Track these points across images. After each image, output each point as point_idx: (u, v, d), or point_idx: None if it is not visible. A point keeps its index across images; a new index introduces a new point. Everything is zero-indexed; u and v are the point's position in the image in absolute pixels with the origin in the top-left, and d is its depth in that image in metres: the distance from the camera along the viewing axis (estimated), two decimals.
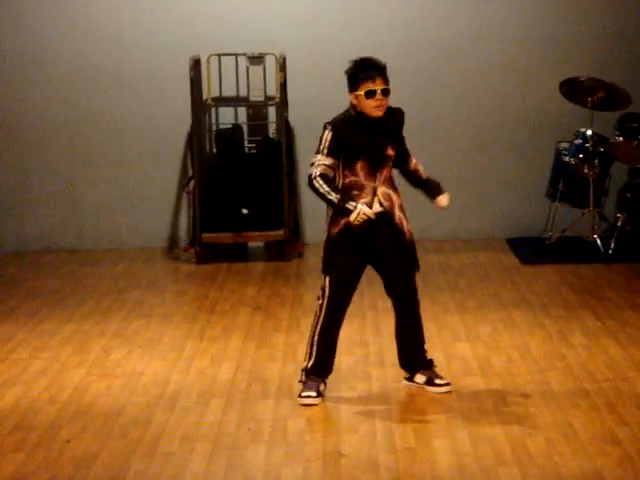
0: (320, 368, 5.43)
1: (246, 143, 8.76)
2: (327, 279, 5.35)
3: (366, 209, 5.21)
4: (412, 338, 5.49)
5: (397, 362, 5.96)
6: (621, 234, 8.22)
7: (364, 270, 5.42)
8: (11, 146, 8.94)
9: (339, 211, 5.23)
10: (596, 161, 8.26)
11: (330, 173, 5.28)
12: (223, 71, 8.68)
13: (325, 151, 5.25)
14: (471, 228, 8.99)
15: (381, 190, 5.31)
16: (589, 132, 8.27)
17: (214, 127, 8.84)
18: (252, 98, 8.66)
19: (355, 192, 5.27)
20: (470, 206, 9.00)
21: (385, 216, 5.31)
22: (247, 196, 8.47)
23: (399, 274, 5.39)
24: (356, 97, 5.24)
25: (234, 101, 8.81)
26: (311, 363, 5.43)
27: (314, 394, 5.35)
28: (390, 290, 5.45)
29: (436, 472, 4.55)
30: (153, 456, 4.77)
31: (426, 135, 8.94)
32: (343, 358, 5.92)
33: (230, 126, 8.76)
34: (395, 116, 5.35)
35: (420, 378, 5.49)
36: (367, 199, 5.28)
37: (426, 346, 5.56)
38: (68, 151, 8.96)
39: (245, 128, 8.82)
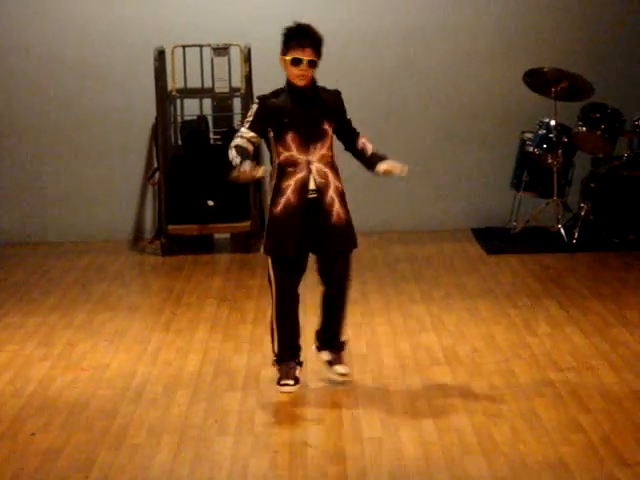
0: (286, 351, 5.44)
1: (211, 134, 8.74)
2: (270, 261, 5.35)
3: (246, 166, 5.03)
4: (332, 316, 5.47)
5: (363, 352, 5.99)
6: (585, 223, 8.29)
7: (307, 252, 5.35)
8: None
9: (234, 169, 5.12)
10: (560, 151, 8.32)
11: (249, 146, 5.21)
12: (188, 62, 8.66)
13: (247, 124, 5.27)
14: (436, 218, 9.02)
15: (316, 166, 5.26)
16: (553, 122, 8.33)
17: (179, 118, 8.82)
18: (217, 89, 8.64)
19: (290, 169, 5.25)
20: (435, 196, 9.03)
21: (317, 194, 5.27)
22: (213, 188, 8.46)
23: (326, 254, 5.34)
24: (284, 61, 5.26)
25: (199, 92, 8.79)
26: (277, 349, 5.44)
27: (291, 382, 5.38)
28: (319, 270, 5.41)
29: (402, 462, 4.57)
30: (119, 448, 4.76)
31: (390, 124, 8.96)
32: (309, 349, 5.92)
33: (195, 117, 8.74)
34: (331, 95, 5.35)
35: (326, 355, 5.51)
36: (302, 174, 5.25)
37: (344, 328, 5.52)
38: (32, 143, 8.91)
39: (210, 119, 8.80)
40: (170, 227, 8.42)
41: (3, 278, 7.85)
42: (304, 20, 8.54)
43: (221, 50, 8.56)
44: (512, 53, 8.88)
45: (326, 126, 5.29)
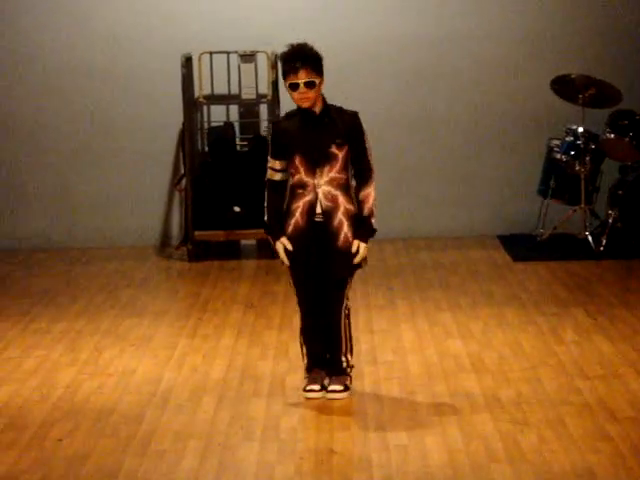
0: (314, 360, 5.43)
1: (238, 141, 8.76)
2: (289, 275, 5.38)
3: (280, 253, 5.24)
4: (329, 341, 5.39)
5: (389, 359, 5.98)
6: (612, 231, 8.24)
7: (315, 264, 5.29)
8: (3, 144, 8.93)
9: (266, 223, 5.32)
10: (587, 158, 8.28)
11: (282, 177, 5.29)
12: (215, 69, 8.68)
13: (270, 153, 5.32)
14: (462, 225, 9.00)
15: (324, 189, 5.23)
16: (580, 129, 8.29)
17: (206, 125, 8.84)
18: (244, 96, 8.66)
19: (299, 190, 5.25)
20: (461, 203, 9.01)
21: (324, 217, 5.25)
22: (239, 194, 8.47)
23: (328, 279, 5.29)
24: (286, 88, 5.25)
25: (226, 99, 8.81)
26: (305, 359, 5.45)
27: (317, 388, 5.37)
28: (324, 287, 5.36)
29: (428, 469, 4.56)
30: (145, 454, 4.77)
31: (417, 132, 8.95)
32: None
33: (222, 124, 8.75)
34: (346, 118, 5.24)
35: (325, 381, 5.41)
36: (309, 197, 5.24)
37: (345, 356, 5.40)
38: (60, 149, 8.95)
39: (237, 126, 8.82)
40: (197, 233, 8.44)
41: (30, 284, 7.89)
42: (330, 30, 8.55)
43: (248, 57, 8.57)
44: (540, 59, 8.85)
45: (335, 150, 5.22)
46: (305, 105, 5.19)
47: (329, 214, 5.25)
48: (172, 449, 4.82)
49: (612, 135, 8.25)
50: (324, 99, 5.27)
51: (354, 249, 5.28)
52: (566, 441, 4.78)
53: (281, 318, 6.79)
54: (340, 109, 5.28)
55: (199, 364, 5.98)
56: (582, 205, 8.32)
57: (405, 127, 8.96)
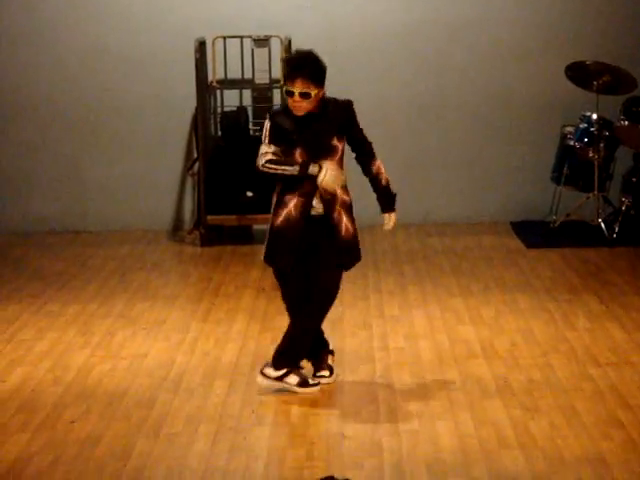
0: (313, 347, 5.44)
1: (251, 125, 8.75)
2: (272, 269, 5.36)
3: (331, 168, 5.10)
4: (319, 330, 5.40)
5: (400, 345, 5.98)
6: (625, 218, 8.22)
7: (305, 262, 5.26)
8: (17, 127, 8.94)
9: (306, 177, 5.14)
10: (601, 145, 8.25)
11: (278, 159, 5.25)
12: (228, 53, 8.66)
13: (266, 140, 5.25)
14: (475, 211, 8.98)
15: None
16: (594, 116, 8.26)
17: (219, 109, 8.84)
18: (257, 81, 8.64)
19: (297, 183, 5.22)
20: (474, 189, 8.99)
21: (324, 211, 5.22)
22: (252, 179, 8.46)
23: (322, 269, 5.25)
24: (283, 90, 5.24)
25: (239, 83, 8.79)
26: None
27: (327, 373, 5.39)
28: (312, 283, 5.30)
29: (439, 454, 4.56)
30: (157, 437, 4.79)
31: (431, 117, 8.93)
32: (347, 340, 5.93)
33: (235, 108, 8.75)
34: (340, 108, 5.21)
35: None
36: (307, 190, 5.20)
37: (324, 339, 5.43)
38: (73, 132, 8.96)
39: (250, 110, 8.81)
40: (209, 217, 8.45)
41: (44, 266, 7.91)
42: (344, 15, 8.52)
43: (262, 41, 8.56)
44: (554, 46, 8.82)
45: (335, 141, 5.21)
46: (298, 114, 5.16)
47: (328, 207, 5.24)
48: (184, 433, 4.84)
49: (626, 122, 8.22)
50: (323, 96, 5.19)
51: (387, 222, 5.31)
52: (577, 427, 4.79)
53: None
54: (335, 101, 5.23)
55: (211, 348, 5.99)
56: (595, 192, 8.30)
57: (417, 113, 8.94)
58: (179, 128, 8.93)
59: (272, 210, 5.31)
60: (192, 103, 8.57)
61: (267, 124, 5.26)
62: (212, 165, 8.53)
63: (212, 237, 8.46)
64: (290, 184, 5.24)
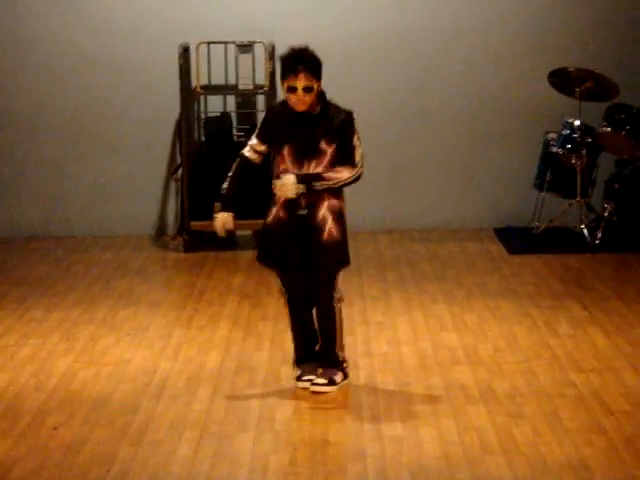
0: (303, 352, 5.46)
1: (235, 131, 8.75)
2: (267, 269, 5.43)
3: (218, 222, 5.33)
4: (322, 334, 5.40)
5: (384, 351, 5.99)
6: (608, 224, 8.25)
7: (302, 263, 5.29)
8: (0, 132, 8.92)
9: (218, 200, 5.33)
10: (584, 151, 8.29)
11: (256, 159, 5.34)
12: (212, 59, 8.67)
13: (255, 133, 5.35)
14: (459, 217, 9.00)
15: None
16: (577, 122, 8.30)
17: (203, 115, 8.83)
18: (241, 86, 8.65)
19: None
20: (458, 195, 9.02)
21: (308, 212, 5.25)
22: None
23: (314, 275, 5.30)
24: (282, 88, 5.25)
25: (223, 89, 8.79)
26: (295, 351, 5.48)
27: (313, 377, 5.39)
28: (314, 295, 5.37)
29: (423, 461, 4.57)
30: (140, 444, 4.78)
31: (414, 124, 8.95)
32: None
33: (219, 114, 8.75)
34: (340, 116, 5.22)
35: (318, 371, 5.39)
36: None
37: (339, 349, 5.39)
38: (57, 138, 8.94)
39: (234, 116, 8.81)
40: (193, 223, 8.44)
41: (27, 272, 7.89)
42: (329, 21, 8.57)
43: (245, 47, 8.56)
44: (537, 53, 8.85)
45: (324, 145, 5.22)
46: (301, 109, 5.19)
47: (313, 208, 5.25)
48: (167, 439, 4.83)
49: (609, 129, 8.26)
50: (324, 97, 5.25)
51: (286, 180, 5.21)
52: (560, 434, 4.80)
53: (276, 309, 6.79)
54: (337, 108, 5.26)
55: (194, 354, 5.99)
56: (578, 198, 8.33)
57: (402, 119, 8.96)
58: (163, 133, 8.92)
59: (267, 209, 5.37)
60: (176, 109, 8.57)
61: (263, 117, 5.36)
62: (195, 171, 8.53)
63: (195, 243, 8.45)
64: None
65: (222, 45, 8.61)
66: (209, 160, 8.55)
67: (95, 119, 8.92)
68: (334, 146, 5.23)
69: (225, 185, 5.42)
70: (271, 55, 8.43)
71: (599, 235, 8.18)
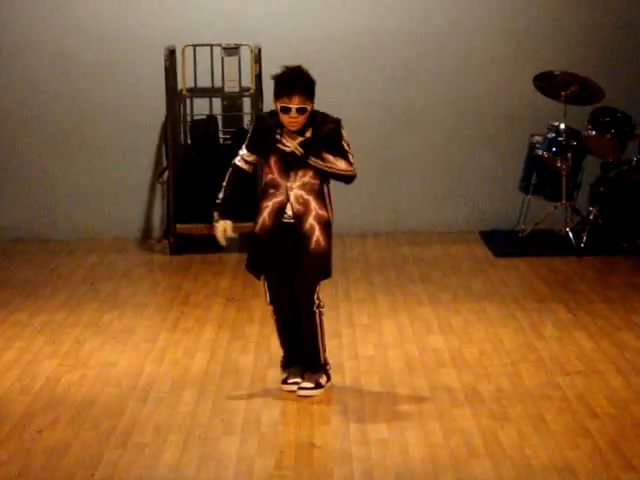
0: (290, 356, 5.46)
1: (221, 134, 8.75)
2: (255, 276, 5.44)
3: (219, 231, 5.38)
4: (304, 340, 5.39)
5: (370, 354, 5.99)
6: (593, 227, 8.27)
7: (288, 270, 5.30)
8: None
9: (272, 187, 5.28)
10: (569, 155, 8.31)
11: (248, 168, 5.37)
12: (198, 62, 8.66)
13: (245, 143, 5.38)
14: (444, 220, 9.02)
15: (296, 193, 5.24)
16: (562, 126, 8.32)
17: (188, 118, 8.83)
18: (227, 89, 8.64)
19: (271, 190, 5.28)
20: (443, 198, 9.02)
21: (295, 221, 5.25)
22: (221, 187, 8.44)
23: (297, 282, 5.30)
24: (276, 107, 5.24)
25: (209, 92, 8.79)
26: (282, 354, 5.49)
27: (299, 380, 5.39)
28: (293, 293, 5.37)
29: (408, 464, 4.57)
30: (126, 447, 4.77)
31: (400, 127, 8.96)
32: None
33: (205, 117, 8.74)
34: (328, 125, 5.22)
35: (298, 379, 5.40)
36: (280, 198, 5.26)
37: (322, 354, 5.40)
38: (43, 140, 8.92)
39: (220, 119, 8.80)
40: (178, 226, 8.43)
41: (12, 275, 7.87)
42: (315, 24, 8.57)
43: (231, 50, 8.56)
44: (522, 56, 8.87)
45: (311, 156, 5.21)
46: (293, 129, 5.20)
47: (300, 218, 5.26)
48: (152, 442, 4.82)
49: (594, 132, 8.28)
50: (313, 112, 5.22)
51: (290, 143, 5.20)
52: (546, 436, 4.81)
53: (262, 312, 6.79)
54: (324, 116, 5.25)
55: (180, 357, 5.98)
56: (563, 201, 8.35)
57: (387, 122, 8.97)
58: (149, 136, 8.91)
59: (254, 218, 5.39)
60: (162, 111, 8.56)
61: (250, 128, 5.39)
62: (181, 173, 8.52)
63: (181, 246, 8.44)
64: (265, 192, 5.30)
65: (208, 48, 8.60)
66: (195, 163, 8.54)
67: (81, 121, 8.90)
68: (321, 156, 5.22)
69: (221, 194, 5.47)
70: (257, 58, 8.43)
71: (584, 238, 8.20)
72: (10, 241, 8.84)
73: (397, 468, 4.53)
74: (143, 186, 9.00)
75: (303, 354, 5.42)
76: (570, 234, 8.25)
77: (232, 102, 8.87)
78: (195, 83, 8.72)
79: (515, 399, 5.27)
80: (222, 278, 7.68)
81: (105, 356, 6.01)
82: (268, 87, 8.67)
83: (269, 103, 8.66)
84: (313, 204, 5.26)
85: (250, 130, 5.41)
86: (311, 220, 5.26)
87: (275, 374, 5.58)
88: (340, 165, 5.25)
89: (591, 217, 8.29)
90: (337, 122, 5.26)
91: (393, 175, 9.04)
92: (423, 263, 8.06)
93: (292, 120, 5.17)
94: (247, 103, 8.79)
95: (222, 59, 8.60)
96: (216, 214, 5.45)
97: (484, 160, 8.99)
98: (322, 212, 5.28)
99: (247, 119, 8.80)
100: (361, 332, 6.37)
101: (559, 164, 8.31)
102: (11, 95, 8.85)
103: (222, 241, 5.43)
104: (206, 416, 5.11)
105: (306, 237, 5.25)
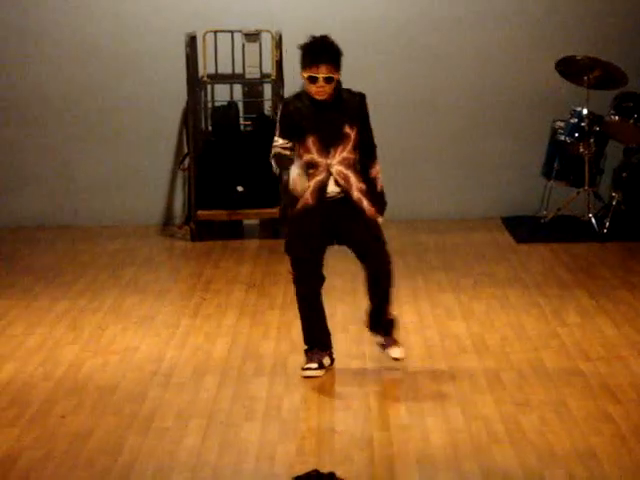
0: (312, 340, 5.47)
1: (241, 120, 8.74)
2: (290, 259, 5.41)
3: (294, 174, 5.21)
4: (378, 297, 5.46)
5: None
6: (616, 213, 8.23)
7: (324, 248, 5.38)
8: (7, 123, 8.92)
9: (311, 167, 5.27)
10: (591, 140, 8.26)
11: (290, 154, 5.30)
12: (219, 48, 8.66)
13: (277, 132, 5.34)
14: (466, 207, 8.99)
15: (336, 169, 5.29)
16: (585, 111, 8.27)
17: (210, 104, 8.83)
18: (248, 75, 8.64)
19: (310, 170, 5.29)
20: (465, 185, 9.00)
21: (343, 195, 5.30)
22: (242, 173, 8.46)
23: (369, 250, 5.37)
24: (302, 77, 5.27)
25: (230, 78, 8.79)
26: (304, 336, 5.49)
27: (315, 366, 5.40)
28: (365, 265, 5.44)
29: (429, 450, 4.57)
30: (147, 432, 4.78)
31: (421, 114, 8.93)
32: (338, 336, 5.92)
33: (226, 103, 8.74)
34: (354, 99, 5.33)
35: (378, 339, 5.51)
36: (321, 177, 5.29)
37: (390, 308, 5.51)
38: (64, 127, 8.94)
39: (241, 105, 8.80)
40: (200, 212, 8.44)
41: (34, 262, 7.90)
42: (335, 10, 8.53)
43: (252, 36, 8.55)
44: (545, 41, 8.83)
45: (347, 129, 5.29)
46: (320, 98, 5.25)
47: (346, 192, 5.31)
48: (174, 427, 4.84)
49: (616, 117, 8.23)
50: (339, 84, 5.31)
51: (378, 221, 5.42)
52: (568, 422, 4.79)
53: (283, 298, 6.80)
54: (349, 91, 5.35)
55: (201, 343, 5.99)
56: (586, 187, 8.31)
57: (409, 109, 8.94)
58: (170, 123, 8.92)
59: (291, 201, 5.36)
60: (183, 98, 8.56)
61: (279, 114, 5.35)
62: (202, 160, 8.52)
63: (202, 232, 8.45)
64: (306, 172, 5.28)
65: (229, 34, 8.60)
66: (216, 149, 8.55)
67: (101, 109, 8.91)
68: (356, 129, 5.30)
69: (275, 169, 5.38)
70: (278, 43, 8.42)
71: (607, 224, 8.16)
72: (32, 228, 8.88)
73: (418, 454, 4.52)
74: (164, 173, 9.01)
75: (377, 316, 5.46)
76: (593, 220, 8.21)
77: (253, 88, 8.87)
78: (216, 69, 8.72)
79: (537, 385, 5.26)
80: (243, 264, 7.69)
81: (127, 342, 6.03)
82: (289, 73, 8.71)
83: (290, 89, 8.69)
84: (352, 178, 5.32)
85: (279, 118, 5.37)
86: (356, 192, 5.32)
87: (296, 360, 5.57)
88: (379, 169, 5.42)
89: (614, 203, 8.24)
90: (363, 96, 5.37)
91: (414, 162, 9.01)
92: (444, 250, 8.04)
93: (319, 89, 5.21)
94: (268, 89, 8.78)
95: (243, 45, 8.59)
96: (278, 172, 5.39)
97: (506, 146, 8.96)
98: (360, 184, 5.35)
99: (268, 105, 8.79)
100: None
101: (581, 149, 8.26)
102: (32, 83, 8.87)
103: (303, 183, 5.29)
104: (227, 402, 5.12)
105: (357, 208, 5.30)
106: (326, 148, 5.28)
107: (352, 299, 6.66)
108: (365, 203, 5.34)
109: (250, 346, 5.92)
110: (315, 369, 5.39)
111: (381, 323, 5.50)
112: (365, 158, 5.39)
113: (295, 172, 5.26)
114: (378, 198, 5.41)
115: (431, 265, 7.59)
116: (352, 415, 4.96)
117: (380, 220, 5.42)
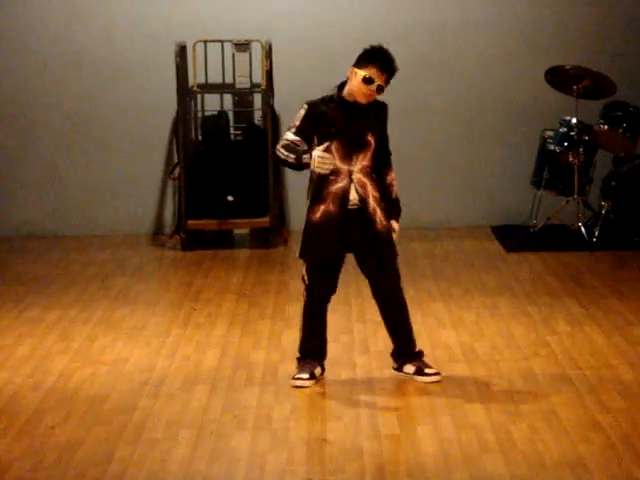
0: (309, 350, 5.46)
1: (232, 130, 8.75)
2: (305, 265, 5.40)
3: (319, 152, 5.16)
4: (399, 328, 5.47)
5: (381, 349, 5.99)
6: (605, 222, 8.26)
7: (344, 257, 5.41)
8: None
9: (298, 168, 5.24)
10: (581, 149, 8.29)
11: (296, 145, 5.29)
12: (209, 58, 8.67)
13: (293, 129, 5.30)
14: (456, 216, 9.01)
15: (357, 176, 5.31)
16: (574, 120, 8.30)
17: (200, 114, 8.83)
18: (238, 85, 8.65)
19: (331, 177, 5.28)
20: (455, 194, 9.02)
21: (361, 205, 5.32)
22: (232, 183, 8.47)
23: (376, 265, 5.39)
24: (354, 73, 5.28)
25: (220, 88, 8.80)
26: (300, 345, 5.47)
27: (306, 376, 5.39)
28: (370, 281, 5.46)
29: (420, 459, 4.57)
30: (138, 442, 4.77)
31: (411, 122, 8.95)
32: (328, 345, 5.92)
33: (216, 113, 8.75)
34: (378, 108, 5.39)
35: (409, 368, 5.48)
36: (343, 184, 5.29)
37: (414, 335, 5.53)
38: (54, 136, 8.94)
39: (231, 115, 8.81)
40: (190, 222, 8.44)
41: (24, 271, 7.89)
42: (326, 19, 8.54)
43: (242, 46, 8.56)
44: (534, 50, 8.86)
45: (369, 137, 5.32)
46: (364, 101, 5.28)
47: (364, 201, 5.32)
48: (164, 437, 4.83)
49: (605, 126, 8.26)
50: None
51: (395, 231, 5.46)
52: (558, 431, 4.80)
53: (274, 307, 6.80)
54: (374, 100, 5.35)
55: (191, 353, 5.99)
56: (575, 196, 8.33)
57: (398, 117, 8.89)
58: (160, 132, 8.92)
59: (309, 206, 5.35)
60: (173, 107, 8.57)
61: (302, 112, 5.30)
62: (193, 170, 8.53)
63: (193, 242, 8.45)
64: (326, 178, 5.27)
65: (219, 43, 8.61)
66: (206, 159, 8.55)
67: (92, 118, 8.91)
68: (376, 137, 5.34)
69: (290, 157, 5.22)
70: (268, 53, 8.44)
71: (596, 233, 8.19)
72: (22, 238, 8.87)
73: (409, 463, 4.53)
74: (154, 182, 9.02)
75: (400, 346, 5.45)
76: (582, 229, 8.24)
77: (243, 98, 8.88)
78: (206, 79, 8.73)
79: (527, 394, 5.26)
80: (233, 274, 7.69)
81: (117, 352, 6.02)
82: (279, 83, 8.73)
83: (280, 99, 8.73)
84: (369, 186, 5.35)
85: (301, 116, 5.29)
86: (372, 202, 5.35)
87: (287, 370, 5.58)
88: (394, 176, 5.51)
89: (603, 212, 8.27)
90: (386, 106, 5.43)
91: (404, 170, 8.99)
92: (435, 259, 8.06)
93: (369, 92, 5.25)
94: (258, 99, 8.80)
95: (233, 55, 8.61)
96: (305, 159, 5.20)
97: (495, 155, 8.98)
98: (376, 193, 5.37)
99: (258, 115, 8.80)
100: (372, 328, 6.36)
101: (571, 159, 8.29)
102: (22, 92, 8.87)
103: (329, 157, 5.21)
104: (218, 412, 5.12)
105: (371, 220, 5.33)
106: (349, 155, 5.29)
107: (344, 309, 6.67)
108: (379, 214, 5.35)
109: (240, 356, 5.91)
110: (306, 379, 5.39)
111: (410, 353, 5.46)
112: (381, 166, 5.42)
113: (320, 149, 5.18)
114: (393, 205, 5.45)
115: (421, 274, 7.60)
116: (342, 425, 4.96)
117: (396, 227, 5.45)
